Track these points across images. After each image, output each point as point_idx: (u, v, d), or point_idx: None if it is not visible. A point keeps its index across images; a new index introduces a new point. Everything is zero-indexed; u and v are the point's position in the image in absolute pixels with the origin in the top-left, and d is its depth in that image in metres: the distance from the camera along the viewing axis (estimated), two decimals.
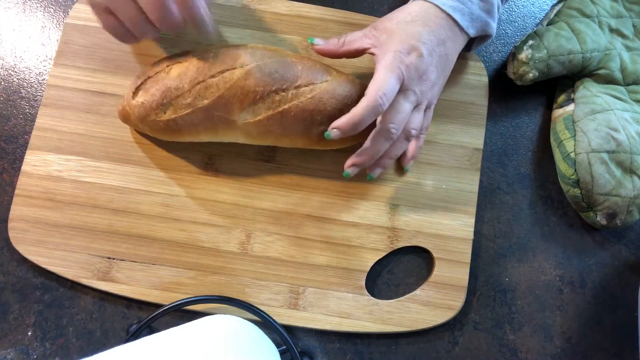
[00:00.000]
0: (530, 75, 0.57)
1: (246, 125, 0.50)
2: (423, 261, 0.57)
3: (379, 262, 0.55)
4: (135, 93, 0.51)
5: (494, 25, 0.53)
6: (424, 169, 0.57)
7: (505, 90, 0.62)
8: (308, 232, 0.55)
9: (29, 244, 0.53)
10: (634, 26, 0.61)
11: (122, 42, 0.49)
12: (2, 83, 0.58)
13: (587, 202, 0.56)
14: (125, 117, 0.53)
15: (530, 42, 0.58)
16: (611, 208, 0.55)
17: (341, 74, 0.53)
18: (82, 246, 0.53)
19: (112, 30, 0.48)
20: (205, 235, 0.54)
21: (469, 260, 0.55)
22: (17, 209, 0.54)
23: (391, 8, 0.53)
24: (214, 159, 0.56)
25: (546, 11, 0.64)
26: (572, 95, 0.59)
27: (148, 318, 0.50)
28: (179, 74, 0.50)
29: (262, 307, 0.52)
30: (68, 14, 0.59)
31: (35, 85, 0.59)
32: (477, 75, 0.60)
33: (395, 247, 0.55)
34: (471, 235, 0.56)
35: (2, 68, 0.59)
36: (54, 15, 0.61)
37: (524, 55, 0.57)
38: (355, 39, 0.52)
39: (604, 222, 0.56)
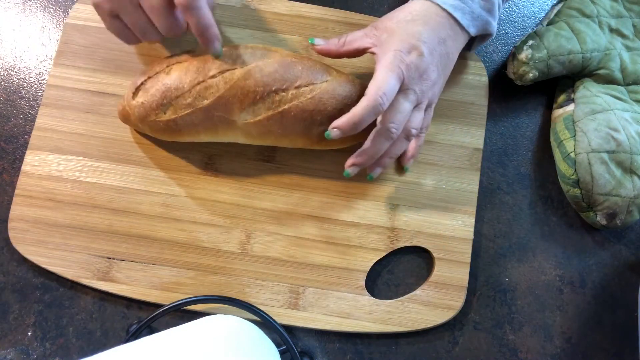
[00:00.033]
0: (530, 75, 0.57)
1: (246, 125, 0.50)
2: (423, 261, 0.57)
3: (379, 262, 0.55)
4: (135, 93, 0.51)
5: (494, 24, 0.53)
6: (424, 169, 0.57)
7: (505, 90, 0.62)
8: (308, 232, 0.55)
9: (29, 244, 0.53)
10: (634, 26, 0.61)
11: (125, 43, 0.50)
12: (2, 83, 0.58)
13: (587, 202, 0.56)
14: (125, 117, 0.53)
15: (530, 42, 0.58)
16: (611, 208, 0.55)
17: (341, 74, 0.53)
18: (82, 246, 0.53)
19: (116, 33, 0.48)
20: (205, 235, 0.54)
21: (469, 260, 0.55)
22: (17, 209, 0.54)
23: (391, 8, 0.53)
24: (214, 159, 0.56)
25: (546, 11, 0.64)
26: (572, 95, 0.59)
27: (148, 318, 0.50)
28: (179, 74, 0.50)
29: (262, 307, 0.52)
30: (68, 14, 0.59)
31: (35, 85, 0.59)
32: (477, 75, 0.60)
33: (395, 247, 0.55)
34: (471, 235, 0.56)
35: (2, 68, 0.59)
36: (54, 15, 0.61)
37: (524, 55, 0.57)
38: (356, 39, 0.52)
39: (604, 222, 0.56)
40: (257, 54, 0.50)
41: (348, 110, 0.47)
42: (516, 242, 0.58)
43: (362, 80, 0.54)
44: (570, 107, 0.59)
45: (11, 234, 0.53)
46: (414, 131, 0.51)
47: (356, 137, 0.52)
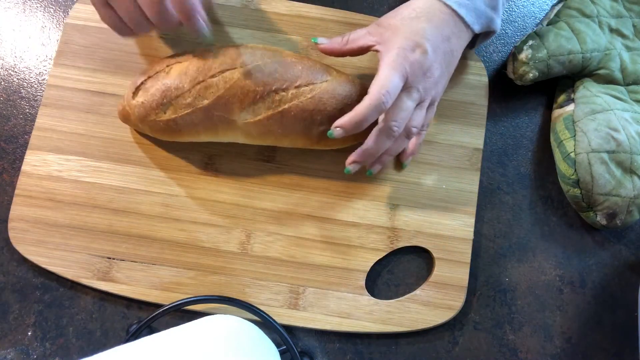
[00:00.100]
0: (530, 75, 0.57)
1: (246, 125, 0.50)
2: (423, 261, 0.57)
3: (379, 262, 0.55)
4: (135, 93, 0.51)
5: (498, 21, 0.53)
6: (423, 169, 0.57)
7: (505, 90, 0.62)
8: (308, 232, 0.55)
9: (29, 244, 0.53)
10: (634, 26, 0.61)
11: (120, 35, 0.49)
12: (2, 83, 0.58)
13: (587, 202, 0.56)
14: (125, 117, 0.53)
15: (530, 42, 0.58)
16: (611, 208, 0.55)
17: (341, 74, 0.53)
18: (82, 246, 0.53)
19: (109, 23, 0.48)
20: (205, 235, 0.54)
21: (469, 260, 0.55)
22: (17, 209, 0.54)
23: (391, 8, 0.53)
24: (214, 159, 0.56)
25: (546, 11, 0.64)
26: (572, 95, 0.59)
27: (148, 318, 0.50)
28: (179, 74, 0.50)
29: (262, 307, 0.52)
30: (68, 14, 0.59)
31: (35, 85, 0.59)
32: (477, 75, 0.60)
33: (395, 247, 0.55)
34: (471, 235, 0.56)
35: (2, 68, 0.59)
36: (54, 15, 0.61)
37: (524, 55, 0.57)
38: (359, 37, 0.52)
39: (604, 222, 0.56)
40: (257, 54, 0.50)
41: (348, 110, 0.47)
42: (516, 242, 0.58)
43: (363, 80, 0.54)
44: (570, 107, 0.59)
45: (11, 234, 0.53)
46: (414, 130, 0.51)
47: (356, 136, 0.52)
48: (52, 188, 0.54)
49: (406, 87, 0.48)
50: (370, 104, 0.46)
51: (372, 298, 0.54)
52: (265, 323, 0.52)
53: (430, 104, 0.52)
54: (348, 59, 0.57)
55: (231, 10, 0.59)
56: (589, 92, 0.58)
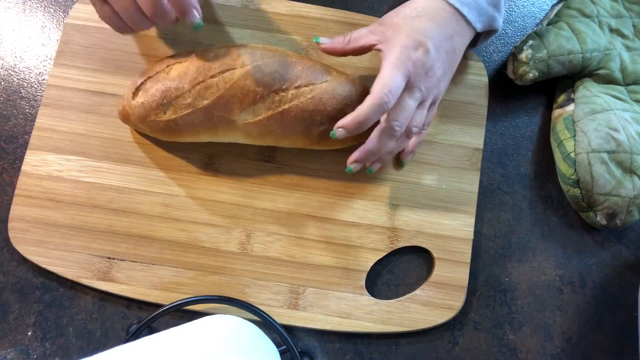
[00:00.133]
0: (530, 75, 0.57)
1: (246, 125, 0.50)
2: (423, 261, 0.57)
3: (379, 262, 0.55)
4: (135, 93, 0.51)
5: (500, 19, 0.53)
6: (424, 169, 0.57)
7: (505, 90, 0.62)
8: (308, 232, 0.55)
9: (29, 244, 0.53)
10: (634, 26, 0.61)
11: (117, 31, 0.49)
12: (2, 83, 0.58)
13: (587, 202, 0.56)
14: (125, 117, 0.53)
15: (530, 42, 0.58)
16: (611, 208, 0.55)
17: (341, 74, 0.53)
18: (82, 246, 0.53)
19: (107, 20, 0.48)
20: (205, 235, 0.54)
21: (469, 260, 0.55)
22: (17, 209, 0.54)
23: (391, 8, 0.53)
24: (214, 159, 0.56)
25: (546, 11, 0.64)
26: (572, 95, 0.59)
27: (148, 318, 0.50)
28: (179, 74, 0.50)
29: (262, 307, 0.52)
30: (68, 14, 0.59)
31: (35, 85, 0.59)
32: (477, 75, 0.60)
33: (395, 247, 0.55)
34: (471, 235, 0.56)
35: (2, 68, 0.59)
36: (54, 15, 0.61)
37: (524, 55, 0.57)
38: (361, 36, 0.52)
39: (604, 222, 0.56)
40: (257, 54, 0.50)
41: (348, 111, 0.47)
42: (516, 242, 0.58)
43: (363, 80, 0.54)
44: (570, 107, 0.59)
45: (11, 234, 0.53)
46: (415, 129, 0.50)
47: (356, 136, 0.52)
48: (52, 188, 0.54)
49: (408, 87, 0.48)
50: (372, 104, 0.46)
51: (372, 298, 0.54)
52: (265, 323, 0.52)
53: (432, 103, 0.52)
54: (348, 59, 0.57)
55: (231, 10, 0.59)
56: (589, 92, 0.58)
